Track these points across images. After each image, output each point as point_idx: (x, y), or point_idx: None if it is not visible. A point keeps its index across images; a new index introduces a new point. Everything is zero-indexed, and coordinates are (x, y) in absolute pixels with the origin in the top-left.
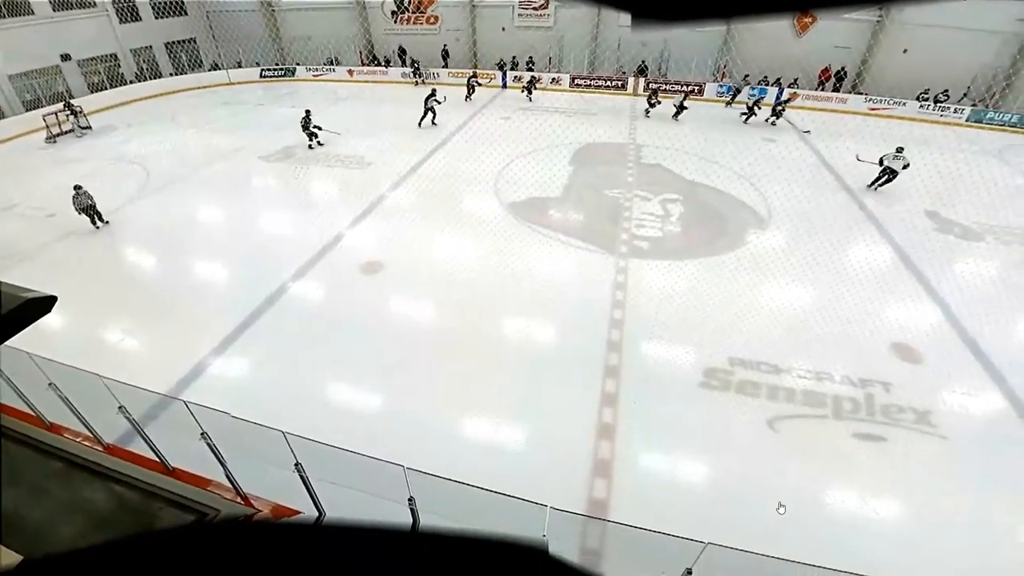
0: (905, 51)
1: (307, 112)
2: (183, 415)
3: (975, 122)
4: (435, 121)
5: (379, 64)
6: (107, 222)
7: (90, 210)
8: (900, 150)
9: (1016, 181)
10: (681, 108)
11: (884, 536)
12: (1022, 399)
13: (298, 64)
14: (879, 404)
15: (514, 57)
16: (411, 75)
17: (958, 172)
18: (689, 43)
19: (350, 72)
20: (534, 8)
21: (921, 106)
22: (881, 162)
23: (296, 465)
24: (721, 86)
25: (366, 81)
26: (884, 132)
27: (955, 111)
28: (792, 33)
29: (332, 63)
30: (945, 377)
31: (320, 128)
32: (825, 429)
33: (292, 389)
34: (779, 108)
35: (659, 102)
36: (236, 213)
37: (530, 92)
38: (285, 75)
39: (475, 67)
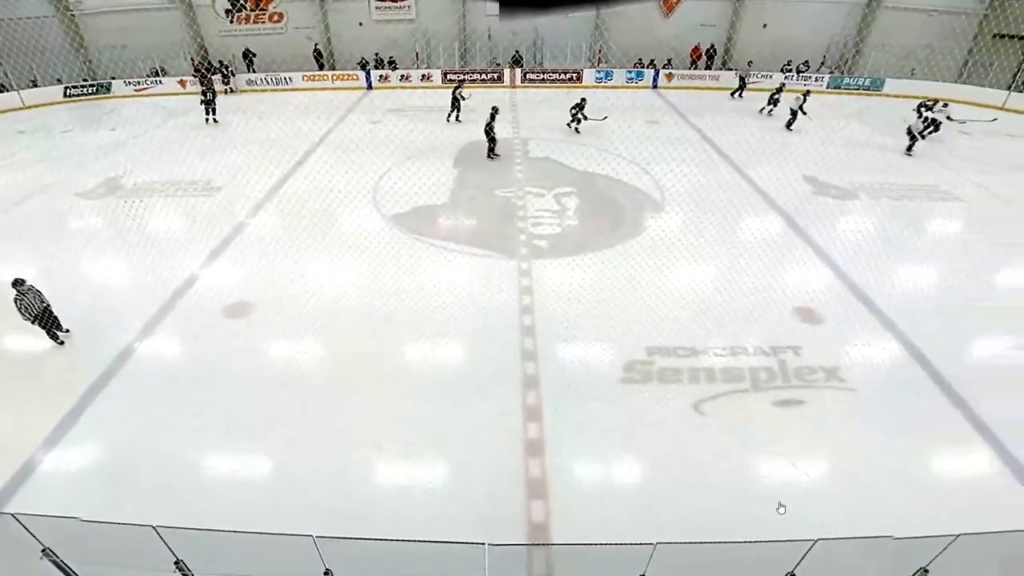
0: (765, 26)
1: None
2: (16, 531)
3: (834, 88)
4: (460, 117)
5: (215, 71)
6: None
7: None
8: (945, 105)
9: (876, 139)
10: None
11: (820, 494)
12: (912, 341)
13: (114, 78)
14: (792, 368)
15: (376, 54)
16: (200, 81)
17: (827, 136)
18: (561, 30)
19: (181, 83)
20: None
21: (786, 77)
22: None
23: (177, 564)
24: (599, 71)
25: (194, 93)
26: (756, 107)
27: (816, 79)
28: (660, 15)
29: (158, 74)
30: (845, 332)
31: None
32: (748, 402)
33: (159, 469)
34: (777, 98)
35: (583, 119)
36: (54, 266)
37: (458, 109)
38: (98, 92)
39: (332, 67)
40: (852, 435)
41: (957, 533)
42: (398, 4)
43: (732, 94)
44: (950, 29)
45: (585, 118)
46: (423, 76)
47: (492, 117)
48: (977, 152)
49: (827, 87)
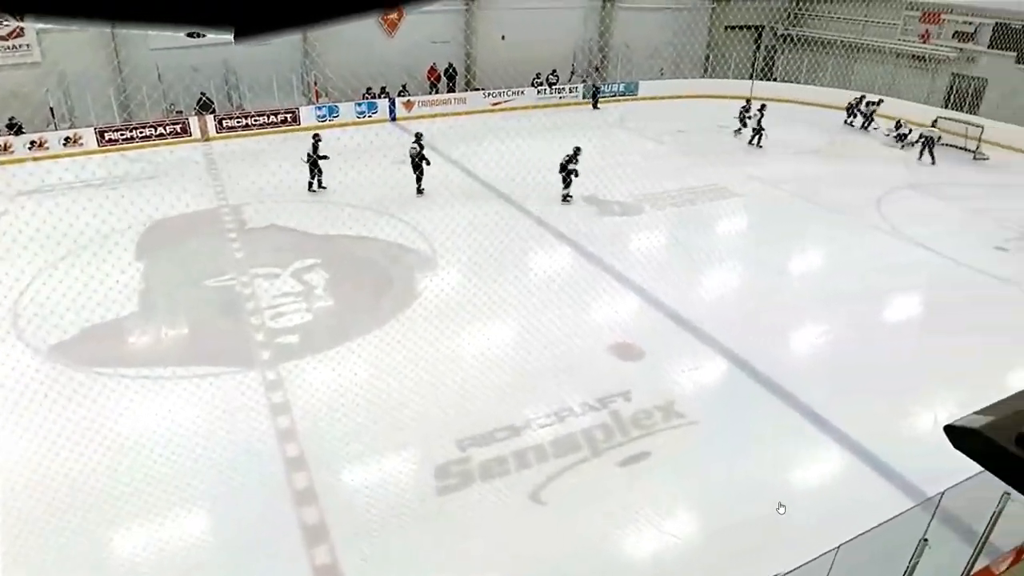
0: (503, 37)
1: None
2: None
3: (590, 98)
4: (323, 183)
5: None
6: None
7: None
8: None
9: (646, 146)
10: None
11: (694, 551)
12: (734, 351)
13: None
14: (627, 418)
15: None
16: None
17: (597, 150)
18: (259, 61)
19: None
20: (1, 38)
21: (539, 92)
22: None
23: None
24: (320, 108)
25: None
26: (516, 127)
27: (570, 91)
28: (382, 34)
29: None
30: (669, 360)
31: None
32: (591, 473)
33: None
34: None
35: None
36: None
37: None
38: None
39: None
40: (708, 472)
41: (837, 546)
42: (9, 42)
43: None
44: (686, 25)
45: (576, 174)
46: (67, 140)
47: (420, 145)
48: (744, 143)
49: (583, 97)
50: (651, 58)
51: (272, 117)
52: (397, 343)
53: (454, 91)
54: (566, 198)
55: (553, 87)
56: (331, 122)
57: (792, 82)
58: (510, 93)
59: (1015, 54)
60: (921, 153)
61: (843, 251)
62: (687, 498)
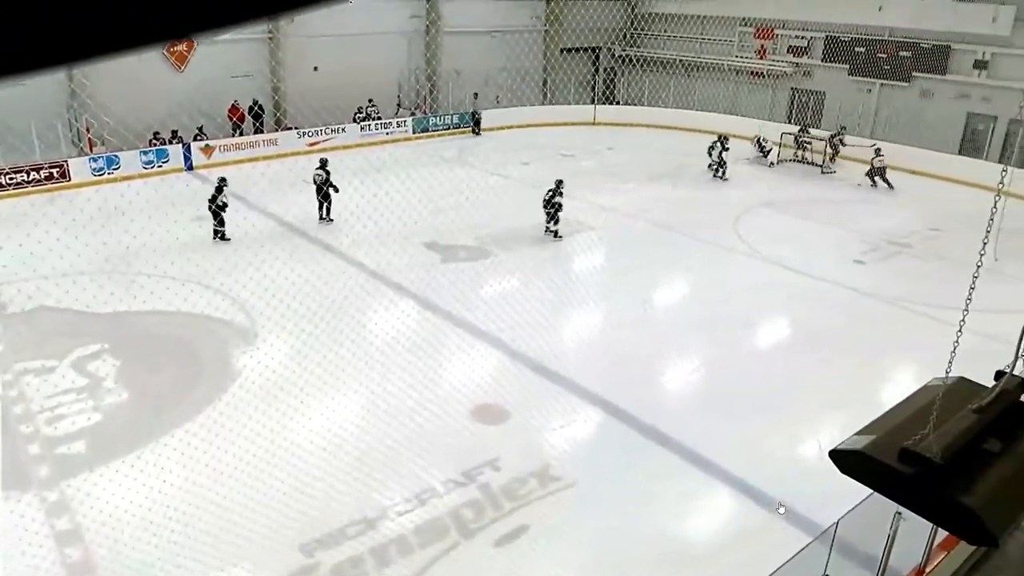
0: (316, 68)
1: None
2: None
3: (422, 132)
4: (226, 235)
5: None
6: None
7: None
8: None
9: (488, 182)
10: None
11: None
12: (604, 397)
13: None
14: (498, 489)
15: None
16: None
17: (435, 189)
18: (13, 106)
19: None
20: None
21: (363, 128)
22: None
23: None
24: (94, 159)
25: None
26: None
27: (398, 125)
28: (169, 68)
29: None
30: (537, 418)
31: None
32: (464, 559)
33: None
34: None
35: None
36: None
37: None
38: None
39: None
40: (595, 536)
41: None
42: None
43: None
44: (519, 49)
45: (560, 208)
46: None
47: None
48: (591, 172)
49: (413, 132)
50: (485, 85)
51: (33, 173)
52: (215, 436)
53: (262, 132)
54: (555, 234)
55: (378, 121)
56: (111, 175)
57: (635, 104)
58: (328, 131)
59: (847, 66)
60: (874, 182)
61: (705, 277)
62: (579, 570)
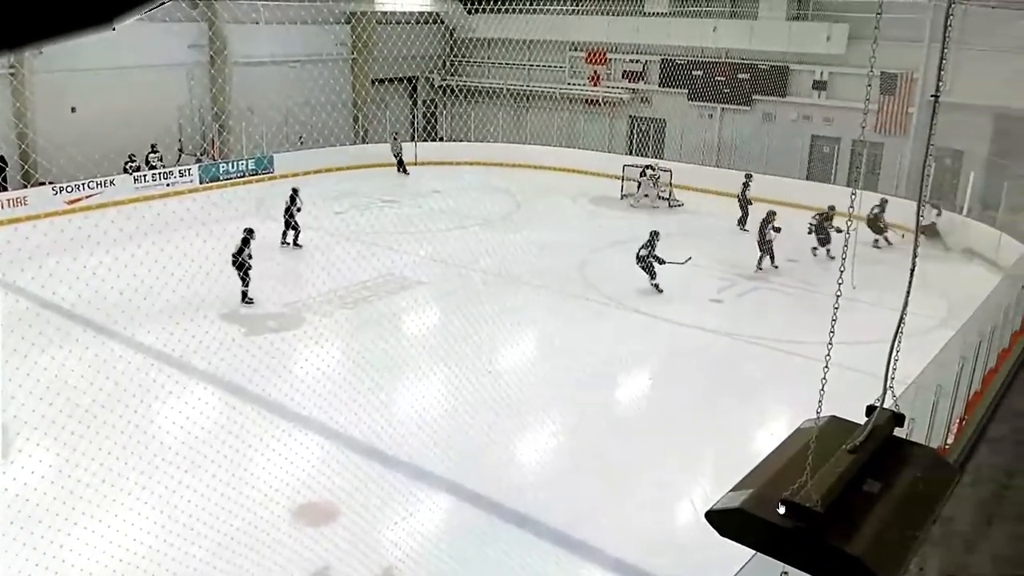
0: (74, 109)
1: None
2: None
3: (211, 181)
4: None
5: None
6: None
7: None
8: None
9: (294, 238)
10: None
11: None
12: (453, 479)
13: None
14: None
15: None
16: None
17: (231, 249)
18: None
19: None
20: None
21: (137, 180)
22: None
23: None
24: None
25: None
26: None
27: (181, 174)
28: None
29: None
30: (375, 512)
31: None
32: None
33: None
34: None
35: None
36: None
37: None
38: None
39: None
40: None
41: None
42: None
43: None
44: (324, 82)
45: (661, 261)
46: None
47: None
48: (416, 219)
49: (200, 182)
50: (285, 124)
51: None
52: None
53: (6, 189)
54: (656, 287)
55: (155, 170)
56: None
57: (461, 140)
58: (93, 185)
59: (686, 91)
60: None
61: (555, 331)
62: None
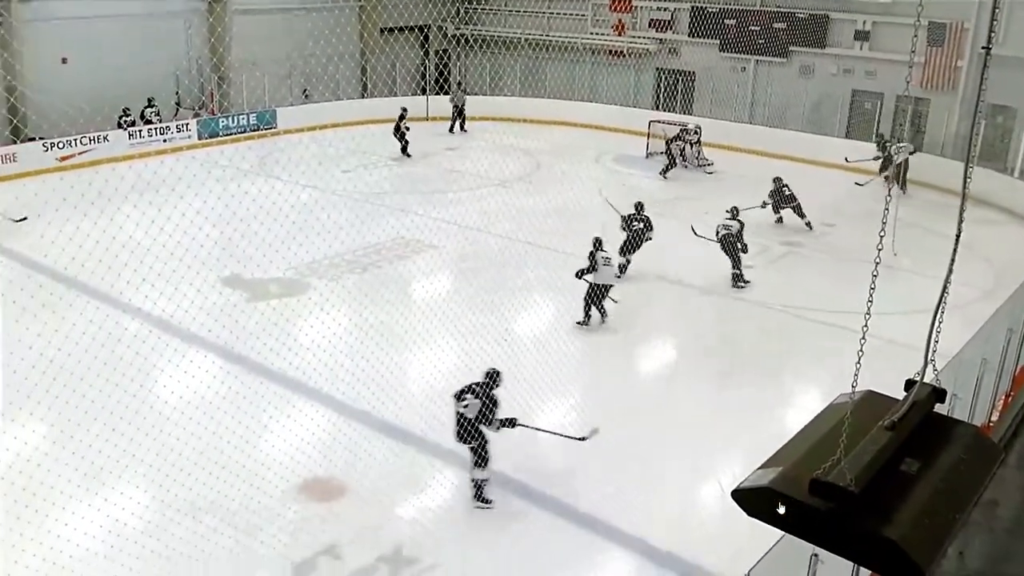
0: (65, 60)
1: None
2: None
3: (210, 137)
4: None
5: None
6: None
7: None
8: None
9: (300, 198)
10: None
11: None
12: (462, 455)
13: None
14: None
15: None
16: None
17: (231, 210)
18: None
19: None
20: None
21: (132, 136)
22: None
23: None
24: None
25: None
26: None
27: (179, 129)
28: None
29: None
30: (383, 488)
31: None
32: None
33: None
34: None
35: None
36: None
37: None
38: None
39: None
40: None
41: None
42: None
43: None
44: (329, 31)
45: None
46: None
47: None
48: (428, 179)
49: (198, 138)
50: (289, 77)
51: None
52: None
53: None
54: (738, 278)
55: (152, 126)
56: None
57: (476, 93)
58: (86, 141)
59: (717, 41)
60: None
61: (573, 298)
62: None
